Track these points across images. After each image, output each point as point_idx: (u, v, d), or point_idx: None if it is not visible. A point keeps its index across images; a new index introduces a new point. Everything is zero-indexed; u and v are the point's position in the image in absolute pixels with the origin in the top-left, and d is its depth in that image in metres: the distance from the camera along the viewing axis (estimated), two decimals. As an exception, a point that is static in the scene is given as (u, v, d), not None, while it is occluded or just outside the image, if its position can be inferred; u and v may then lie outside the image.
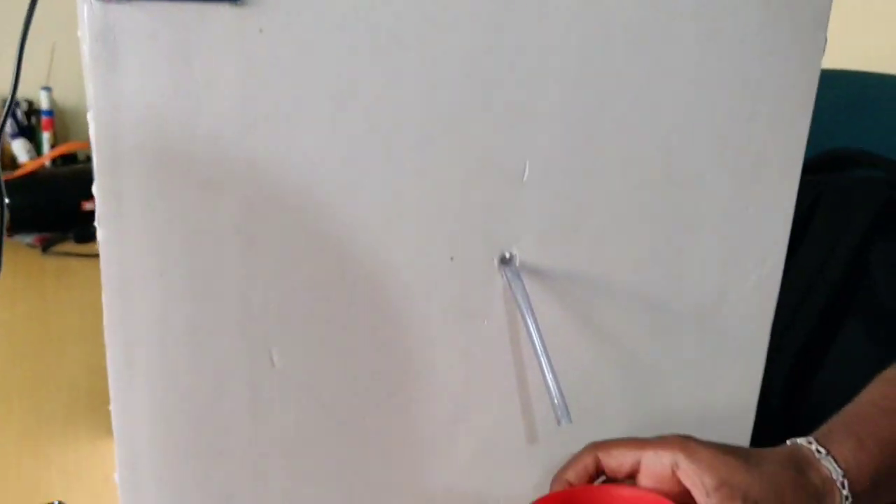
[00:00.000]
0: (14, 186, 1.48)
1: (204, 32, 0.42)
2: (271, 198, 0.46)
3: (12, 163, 1.64)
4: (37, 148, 1.69)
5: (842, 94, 0.98)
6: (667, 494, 0.47)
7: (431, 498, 0.55)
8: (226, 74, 0.43)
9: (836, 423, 0.51)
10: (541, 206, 0.51)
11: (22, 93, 1.70)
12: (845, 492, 0.48)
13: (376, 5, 0.45)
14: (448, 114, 0.48)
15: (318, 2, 0.44)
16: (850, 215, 0.87)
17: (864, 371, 0.56)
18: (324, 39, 0.44)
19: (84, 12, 0.40)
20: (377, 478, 0.53)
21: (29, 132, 1.69)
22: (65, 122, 1.75)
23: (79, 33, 0.42)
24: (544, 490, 0.51)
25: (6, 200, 1.47)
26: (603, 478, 0.50)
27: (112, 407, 0.47)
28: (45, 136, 1.70)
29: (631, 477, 0.49)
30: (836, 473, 0.48)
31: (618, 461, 0.49)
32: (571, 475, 0.49)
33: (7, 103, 0.47)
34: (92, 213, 0.44)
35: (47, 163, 1.61)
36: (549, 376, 0.49)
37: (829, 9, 0.53)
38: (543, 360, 0.50)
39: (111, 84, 0.41)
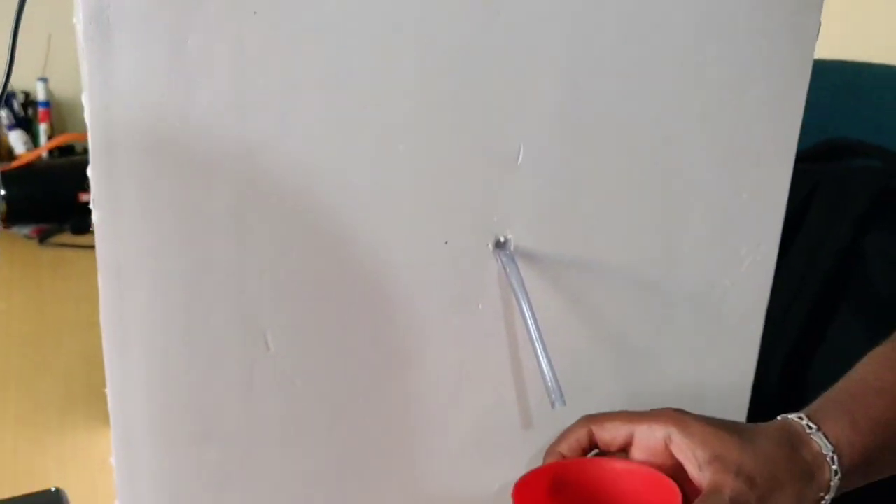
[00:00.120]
0: (11, 178, 1.48)
1: (198, 14, 0.42)
2: (265, 182, 0.46)
3: (9, 154, 1.64)
4: (33, 139, 1.69)
5: (839, 83, 0.98)
6: (659, 468, 0.48)
7: (426, 482, 0.55)
8: (220, 57, 0.43)
9: (827, 400, 0.52)
10: (535, 190, 0.51)
11: (19, 84, 1.70)
12: (835, 467, 0.48)
13: (370, -12, 0.45)
14: (442, 97, 0.48)
15: (313, -16, 0.44)
16: (846, 204, 0.87)
17: (859, 359, 0.56)
18: (318, 22, 0.44)
19: (78, -7, 0.40)
20: (371, 462, 0.53)
21: (26, 123, 1.69)
22: (61, 114, 1.75)
23: (74, 20, 0.42)
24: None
25: (3, 192, 1.47)
26: (596, 451, 0.50)
27: (108, 390, 0.47)
28: (42, 128, 1.70)
29: (624, 450, 0.50)
30: (826, 449, 0.48)
31: (611, 434, 0.49)
32: (565, 448, 0.50)
33: (0, 93, 0.47)
34: (88, 205, 0.44)
35: (44, 154, 1.61)
36: (543, 360, 0.50)
37: (823, -7, 0.53)
38: (537, 343, 0.50)
39: (105, 65, 0.41)
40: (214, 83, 0.43)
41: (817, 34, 0.54)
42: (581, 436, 0.50)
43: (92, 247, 0.44)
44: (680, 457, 0.47)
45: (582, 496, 0.49)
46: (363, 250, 0.49)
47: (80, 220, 1.46)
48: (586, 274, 0.54)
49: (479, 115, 0.49)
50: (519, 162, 0.50)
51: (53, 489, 0.57)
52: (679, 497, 0.45)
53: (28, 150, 1.62)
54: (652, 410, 0.49)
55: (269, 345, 0.48)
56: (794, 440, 0.48)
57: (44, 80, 1.68)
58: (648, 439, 0.48)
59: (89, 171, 0.43)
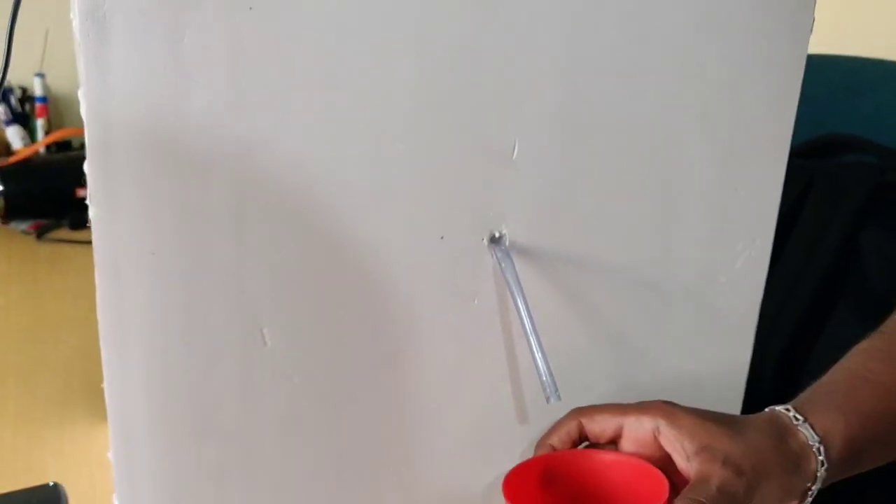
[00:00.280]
0: (8, 173, 1.48)
1: (194, 10, 0.42)
2: (263, 178, 0.46)
3: (6, 150, 1.64)
4: (31, 135, 1.68)
5: (834, 79, 0.98)
6: (648, 459, 0.48)
7: (422, 477, 0.55)
8: (217, 54, 0.43)
9: (815, 392, 0.52)
10: (530, 185, 0.51)
11: (16, 79, 1.70)
12: (821, 457, 0.48)
13: (366, -16, 0.45)
14: (439, 94, 0.48)
15: (308, -20, 0.44)
16: (841, 200, 0.87)
17: (854, 354, 0.56)
18: (314, 18, 0.44)
19: (74, -11, 0.40)
20: (368, 457, 0.53)
21: (23, 119, 1.68)
22: (59, 109, 1.75)
23: (71, 16, 0.42)
24: None
25: (0, 187, 1.47)
26: (586, 443, 0.51)
27: (105, 385, 0.47)
28: (40, 123, 1.70)
29: (613, 442, 0.50)
30: (812, 440, 0.49)
31: (600, 426, 0.49)
32: (555, 440, 0.50)
33: (-3, 88, 0.47)
34: (86, 201, 0.44)
35: (41, 150, 1.61)
36: (538, 355, 0.50)
37: (817, -12, 0.54)
38: (532, 338, 0.50)
39: (102, 62, 0.41)
40: (211, 80, 0.43)
41: (811, 30, 0.55)
42: (571, 428, 0.50)
43: (90, 242, 0.44)
44: (668, 448, 0.48)
45: (572, 487, 0.49)
46: (359, 246, 0.49)
47: (77, 216, 1.46)
48: (581, 269, 0.54)
49: (475, 111, 0.49)
50: (514, 157, 0.50)
51: (51, 484, 0.58)
52: (667, 487, 0.45)
53: (25, 145, 1.62)
54: (641, 402, 0.49)
55: (266, 341, 0.49)
56: (782, 431, 0.49)
57: (41, 75, 1.67)
58: (637, 431, 0.48)
59: (86, 168, 0.43)
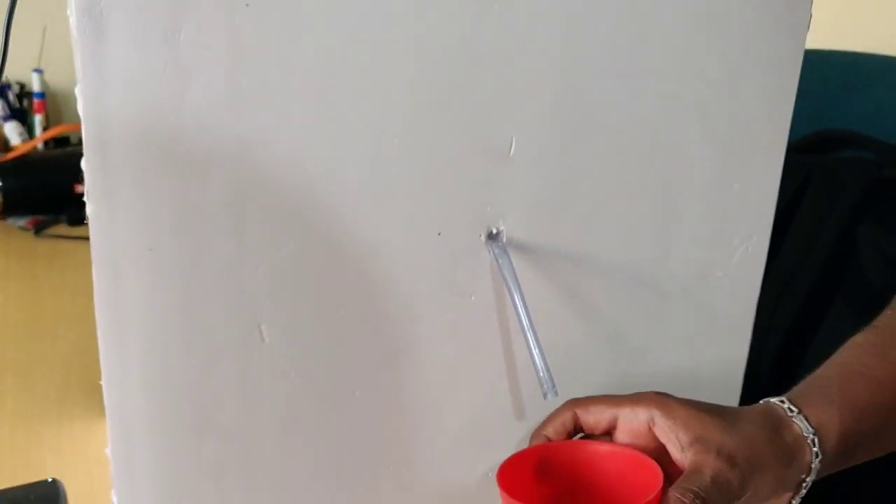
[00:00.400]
0: (6, 169, 1.48)
1: (191, 6, 0.42)
2: (260, 175, 0.46)
3: (4, 146, 1.64)
4: (29, 131, 1.68)
5: (831, 74, 0.98)
6: (643, 450, 0.48)
7: (420, 472, 0.55)
8: (213, 49, 0.43)
9: (809, 384, 0.52)
10: (527, 182, 0.51)
11: (14, 75, 1.70)
12: (816, 449, 0.49)
13: (363, -19, 0.45)
14: (436, 90, 0.48)
15: (305, -23, 0.44)
16: (838, 195, 0.87)
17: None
18: (311, 15, 0.44)
19: (71, -15, 0.40)
20: (366, 453, 0.53)
21: (21, 115, 1.68)
22: (57, 105, 1.75)
23: (68, 12, 0.42)
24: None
25: (-2, 183, 1.47)
26: (581, 434, 0.51)
27: (104, 382, 0.47)
28: (38, 119, 1.70)
29: (608, 433, 0.50)
30: (807, 432, 0.49)
31: (595, 417, 0.50)
32: (550, 431, 0.50)
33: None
34: (84, 196, 0.44)
35: (39, 145, 1.61)
36: (535, 351, 0.50)
37: (814, -16, 0.54)
38: (530, 334, 0.50)
39: (98, 57, 0.41)
40: (209, 77, 0.43)
41: (808, 27, 0.55)
42: (566, 419, 0.50)
43: (88, 238, 0.44)
44: (663, 439, 0.48)
45: (566, 478, 0.50)
46: (357, 242, 0.49)
47: (76, 212, 1.46)
48: (578, 265, 0.54)
49: (473, 108, 0.49)
50: (511, 155, 0.50)
51: (50, 480, 0.58)
52: (661, 478, 0.46)
53: (23, 141, 1.62)
54: (635, 394, 0.50)
55: (264, 338, 0.49)
56: (776, 423, 0.49)
57: (39, 71, 1.67)
58: (632, 422, 0.49)
59: (83, 165, 0.43)
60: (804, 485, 0.50)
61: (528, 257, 0.53)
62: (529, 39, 0.49)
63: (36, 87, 1.68)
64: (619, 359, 0.58)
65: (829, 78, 0.97)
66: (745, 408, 0.51)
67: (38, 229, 1.45)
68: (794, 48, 0.55)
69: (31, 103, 1.70)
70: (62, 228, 1.46)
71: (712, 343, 0.60)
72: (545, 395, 0.50)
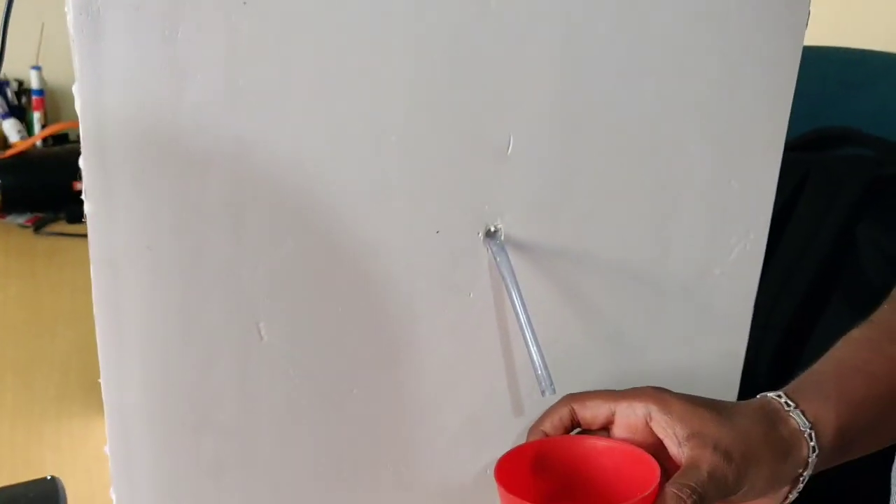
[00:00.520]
0: (5, 167, 1.47)
1: (188, 4, 0.42)
2: (258, 172, 0.46)
3: (3, 143, 1.63)
4: (27, 128, 1.68)
5: (830, 71, 0.98)
6: (640, 445, 0.48)
7: (419, 469, 0.55)
8: (211, 48, 0.43)
9: (806, 379, 0.53)
10: (525, 180, 0.51)
11: (12, 72, 1.70)
12: (813, 443, 0.49)
13: (361, -21, 0.45)
14: (434, 88, 0.48)
15: (303, -25, 0.44)
16: (837, 193, 0.87)
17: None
18: (308, 13, 0.44)
19: (68, -17, 0.40)
20: (364, 450, 0.53)
21: (19, 112, 1.68)
22: (55, 102, 1.74)
23: (66, 9, 0.42)
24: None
25: (-3, 181, 1.46)
26: (578, 429, 0.51)
27: (102, 380, 0.47)
28: (36, 116, 1.70)
29: (605, 428, 0.50)
30: (804, 426, 0.49)
31: (592, 413, 0.50)
32: (547, 426, 0.50)
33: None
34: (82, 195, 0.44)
35: (38, 143, 1.61)
36: (533, 348, 0.50)
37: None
38: (528, 332, 0.50)
39: (96, 56, 0.41)
40: (206, 75, 0.43)
41: (806, 24, 0.55)
42: (563, 414, 0.50)
43: (87, 236, 0.44)
44: (660, 434, 0.48)
45: (563, 473, 0.50)
46: (355, 241, 0.49)
47: (75, 209, 1.46)
48: (577, 263, 0.54)
49: (471, 106, 0.49)
50: (510, 153, 0.50)
51: (49, 477, 0.58)
52: (658, 473, 0.46)
53: (22, 138, 1.62)
54: (632, 389, 0.50)
55: (263, 336, 0.49)
56: (773, 417, 0.49)
57: (37, 68, 1.67)
58: (629, 417, 0.49)
59: (81, 164, 0.43)
60: (801, 479, 0.50)
61: (526, 255, 0.53)
62: (528, 37, 0.49)
63: (34, 83, 1.68)
64: (617, 356, 0.58)
65: (828, 75, 0.97)
66: (742, 402, 0.51)
67: (38, 227, 1.44)
68: (792, 46, 0.55)
69: (29, 100, 1.70)
70: (61, 226, 1.46)
71: (710, 341, 0.60)
72: (543, 393, 0.50)
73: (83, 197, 0.44)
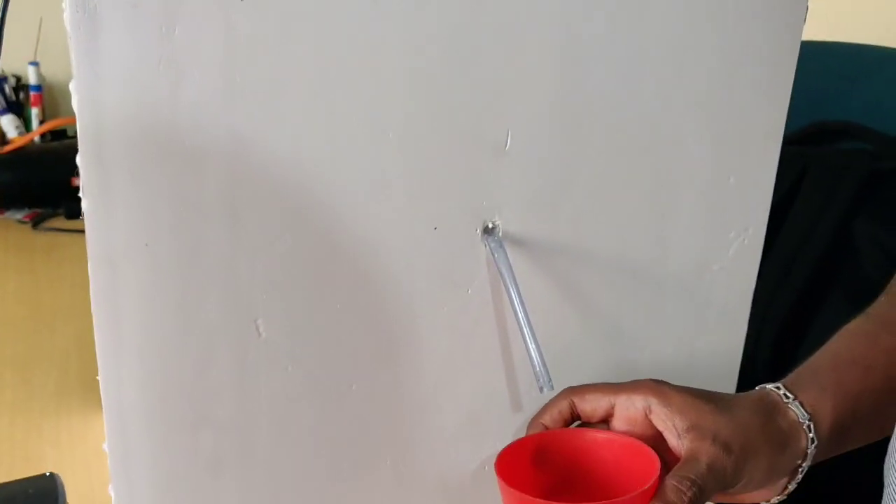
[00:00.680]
0: (3, 163, 1.47)
1: (186, 1, 0.42)
2: (256, 169, 0.46)
3: (1, 139, 1.63)
4: (25, 124, 1.68)
5: (829, 65, 0.98)
6: (640, 437, 0.49)
7: (417, 465, 0.55)
8: (208, 44, 0.43)
9: (803, 371, 0.53)
10: (523, 176, 0.51)
11: (10, 68, 1.69)
12: (811, 435, 0.49)
13: (358, -25, 0.45)
14: (432, 83, 0.48)
15: (300, -29, 0.44)
16: (835, 187, 0.87)
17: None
18: (306, 9, 0.44)
19: (64, -21, 0.40)
20: (362, 446, 0.53)
21: (17, 108, 1.67)
22: (54, 98, 1.74)
23: (63, 5, 0.42)
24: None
25: (-5, 177, 1.46)
26: (578, 422, 0.51)
27: (100, 377, 0.47)
28: (34, 112, 1.69)
29: (605, 421, 0.51)
30: (802, 417, 0.49)
31: (592, 405, 0.50)
32: (547, 419, 0.51)
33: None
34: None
35: (36, 138, 1.60)
36: (531, 344, 0.50)
37: (810, -24, 0.54)
38: (526, 328, 0.50)
39: (93, 53, 0.41)
40: (204, 71, 0.43)
41: (804, 18, 0.55)
42: (563, 407, 0.50)
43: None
44: (659, 426, 0.48)
45: (563, 465, 0.50)
46: (353, 237, 0.49)
47: (73, 205, 1.44)
48: (575, 259, 0.54)
49: (468, 101, 0.49)
50: (507, 148, 0.50)
51: (48, 474, 0.58)
52: (658, 465, 0.46)
53: (20, 134, 1.61)
54: (632, 381, 0.50)
55: (261, 332, 0.49)
56: (771, 409, 0.50)
57: (35, 63, 1.67)
58: (628, 409, 0.49)
59: (78, 161, 0.43)
60: (800, 470, 0.50)
61: (524, 252, 0.53)
62: (526, 33, 0.49)
63: (32, 79, 1.68)
64: (615, 352, 0.58)
65: (827, 69, 0.97)
66: (741, 394, 0.51)
67: (36, 222, 1.44)
68: (790, 40, 0.55)
69: (27, 96, 1.69)
70: (60, 221, 1.46)
71: (708, 336, 0.60)
72: (541, 390, 0.50)
73: (81, 194, 0.44)
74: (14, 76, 1.70)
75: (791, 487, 0.51)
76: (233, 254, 0.47)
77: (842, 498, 0.76)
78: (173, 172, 0.44)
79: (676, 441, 0.48)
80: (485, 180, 0.51)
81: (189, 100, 0.43)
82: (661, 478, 0.45)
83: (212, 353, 0.48)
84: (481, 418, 0.56)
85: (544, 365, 0.50)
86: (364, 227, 0.49)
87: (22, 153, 1.51)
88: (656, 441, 0.48)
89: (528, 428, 0.52)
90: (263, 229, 0.47)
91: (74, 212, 1.46)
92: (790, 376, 0.53)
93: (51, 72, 1.71)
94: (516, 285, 0.50)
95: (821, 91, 0.96)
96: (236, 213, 0.46)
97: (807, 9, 0.54)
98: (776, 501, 0.52)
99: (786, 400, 0.50)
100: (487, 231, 0.52)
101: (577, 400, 0.50)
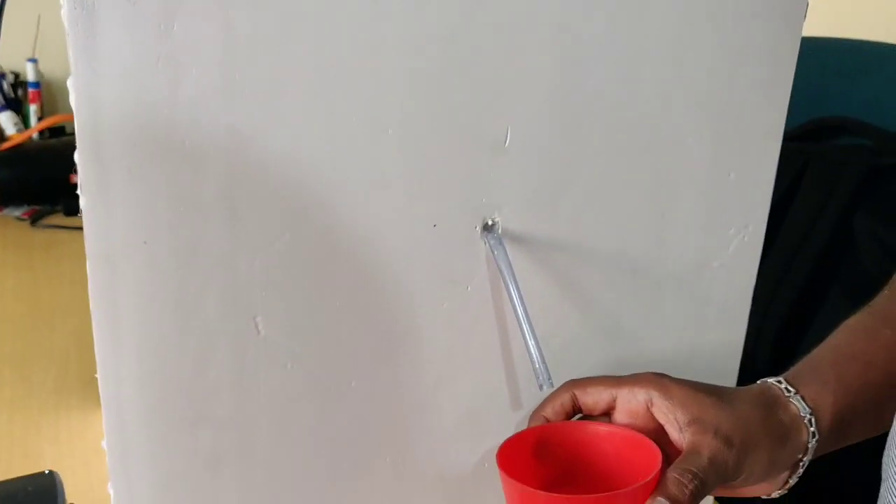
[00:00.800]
0: (1, 160, 1.47)
1: (184, -2, 0.42)
2: (254, 166, 0.46)
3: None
4: (24, 120, 1.67)
5: (829, 61, 0.98)
6: (641, 430, 0.49)
7: (416, 463, 0.55)
8: (207, 41, 0.43)
9: (805, 366, 0.53)
10: (522, 173, 0.51)
11: (8, 65, 1.69)
12: (813, 429, 0.49)
13: (357, -28, 0.44)
14: (431, 80, 0.48)
15: (299, -32, 0.43)
16: (835, 183, 0.87)
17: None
18: (305, 6, 0.44)
19: (61, -25, 0.40)
20: (362, 443, 0.53)
21: (16, 105, 1.67)
22: (52, 95, 1.74)
23: (61, 1, 0.42)
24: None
25: (-6, 173, 1.46)
26: (579, 415, 0.51)
27: (99, 375, 0.47)
28: (33, 109, 1.69)
29: (606, 414, 0.51)
30: (804, 411, 0.50)
31: (594, 398, 0.50)
32: (549, 412, 0.51)
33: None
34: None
35: (35, 135, 1.60)
36: (530, 342, 0.50)
37: (811, -27, 0.53)
38: (525, 325, 0.50)
39: (91, 50, 0.41)
40: (202, 68, 0.43)
41: (804, 15, 0.55)
42: (565, 400, 0.50)
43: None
44: (661, 419, 0.48)
45: (565, 458, 0.50)
46: (352, 234, 0.49)
47: (72, 202, 1.44)
48: (574, 256, 0.54)
49: (468, 98, 0.49)
50: (506, 145, 0.50)
51: (47, 472, 0.58)
52: (659, 458, 0.46)
53: (18, 131, 1.61)
54: (633, 375, 0.50)
55: (259, 329, 0.49)
56: (772, 402, 0.50)
57: (33, 60, 1.66)
58: (630, 402, 0.49)
59: (76, 158, 0.43)
60: (801, 464, 0.50)
61: (523, 248, 0.53)
62: (525, 30, 0.48)
63: (30, 76, 1.67)
64: (615, 349, 0.58)
65: (826, 66, 0.97)
66: (742, 388, 0.51)
67: (35, 219, 1.44)
68: (790, 37, 0.55)
69: (25, 93, 1.69)
70: (58, 218, 1.45)
71: (708, 333, 0.60)
72: (540, 387, 0.50)
73: (79, 191, 0.44)
74: (12, 73, 1.70)
75: (792, 481, 0.51)
76: (232, 251, 0.47)
77: (840, 492, 0.77)
78: (172, 170, 0.44)
79: (678, 434, 0.48)
80: (484, 178, 0.50)
81: (188, 97, 0.43)
82: (663, 471, 0.45)
83: (211, 351, 0.48)
84: (481, 416, 0.56)
85: (544, 362, 0.50)
86: (363, 225, 0.49)
87: (20, 150, 1.50)
88: (658, 434, 0.48)
89: (529, 420, 0.52)
90: (263, 227, 0.47)
91: (73, 209, 1.45)
92: (791, 371, 0.53)
93: (49, 68, 1.70)
94: (516, 283, 0.50)
95: (820, 87, 0.96)
96: (235, 211, 0.46)
97: (807, 8, 0.54)
98: (777, 495, 0.52)
99: (787, 394, 0.50)
100: (487, 228, 0.52)
101: (578, 393, 0.50)
